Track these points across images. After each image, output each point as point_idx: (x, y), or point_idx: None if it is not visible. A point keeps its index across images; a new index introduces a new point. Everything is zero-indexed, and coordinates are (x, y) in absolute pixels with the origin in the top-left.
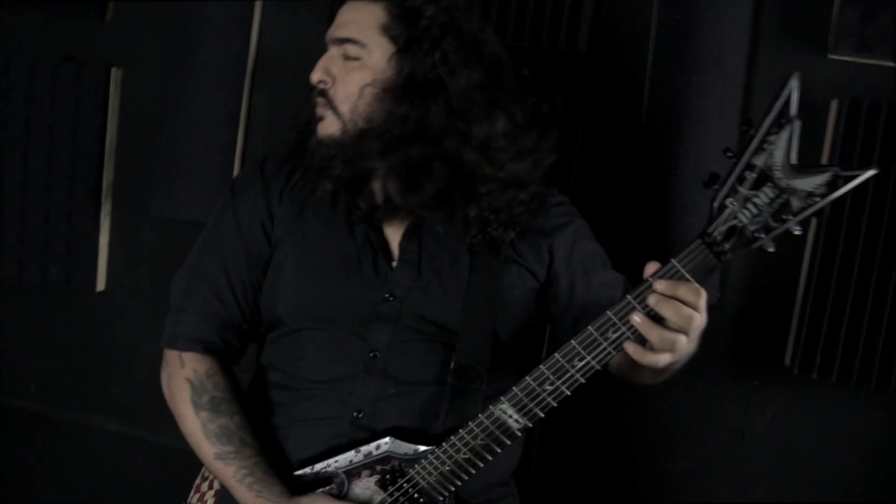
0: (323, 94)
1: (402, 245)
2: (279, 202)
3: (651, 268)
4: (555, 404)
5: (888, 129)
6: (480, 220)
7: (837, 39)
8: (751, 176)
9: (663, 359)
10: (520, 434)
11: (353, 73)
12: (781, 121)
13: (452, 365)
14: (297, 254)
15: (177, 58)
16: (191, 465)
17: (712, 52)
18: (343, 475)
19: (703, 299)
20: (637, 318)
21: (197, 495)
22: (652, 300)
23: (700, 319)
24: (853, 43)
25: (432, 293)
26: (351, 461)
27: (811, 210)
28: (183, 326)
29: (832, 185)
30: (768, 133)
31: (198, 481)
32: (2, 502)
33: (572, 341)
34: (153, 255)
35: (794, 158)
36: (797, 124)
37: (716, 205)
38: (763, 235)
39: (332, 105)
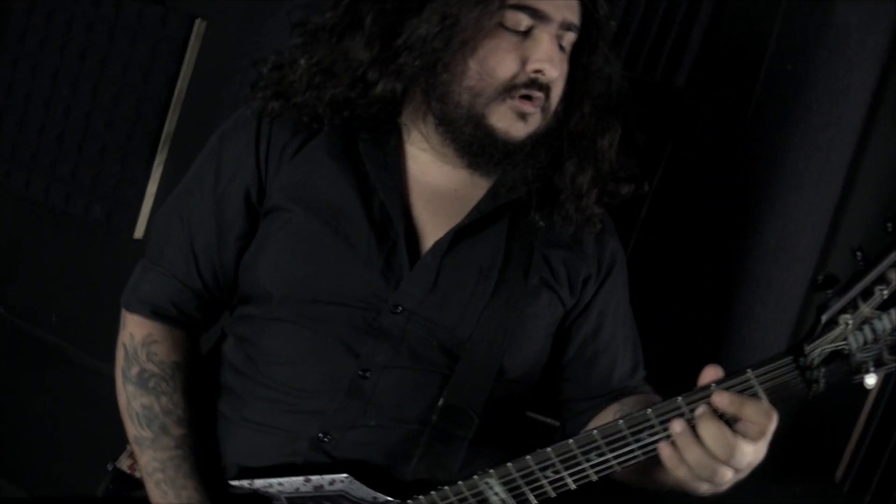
0: (545, 89)
1: (435, 246)
2: (280, 162)
3: (711, 373)
4: (553, 495)
5: None
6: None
7: None
8: (881, 292)
9: (700, 487)
10: None
11: (564, 64)
12: None
13: (441, 402)
14: (297, 224)
15: (259, 20)
16: None
17: (822, 112)
18: (285, 501)
19: (770, 428)
20: (678, 428)
21: (127, 456)
22: (699, 412)
23: (753, 454)
24: None
25: (447, 312)
26: (297, 489)
27: None
28: (140, 285)
29: None
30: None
31: (129, 446)
32: (3, 420)
33: (594, 431)
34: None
35: None
36: None
37: (824, 318)
38: (872, 369)
39: (547, 103)
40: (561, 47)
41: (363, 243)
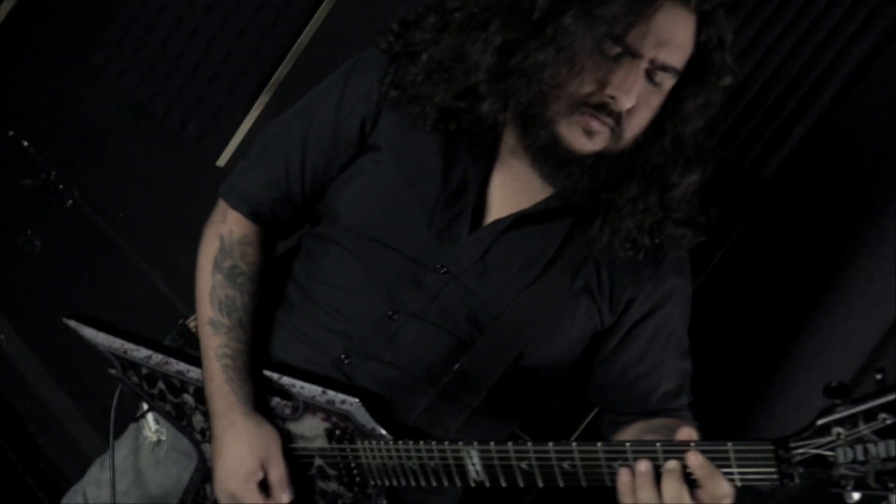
0: (616, 116)
1: (496, 222)
2: (392, 109)
3: (686, 433)
4: (521, 485)
5: None
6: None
7: None
8: (885, 419)
9: None
10: (473, 485)
11: (654, 98)
12: None
13: (456, 366)
14: (384, 170)
15: (394, 3)
16: None
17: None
18: (302, 403)
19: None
20: (643, 467)
21: (195, 321)
22: (670, 465)
23: None
24: None
25: (486, 287)
26: (314, 396)
27: (881, 494)
28: (243, 182)
29: None
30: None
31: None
32: (46, 295)
33: (574, 444)
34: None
35: None
36: None
37: (820, 422)
38: (851, 488)
39: (618, 129)
40: (654, 81)
41: (431, 203)
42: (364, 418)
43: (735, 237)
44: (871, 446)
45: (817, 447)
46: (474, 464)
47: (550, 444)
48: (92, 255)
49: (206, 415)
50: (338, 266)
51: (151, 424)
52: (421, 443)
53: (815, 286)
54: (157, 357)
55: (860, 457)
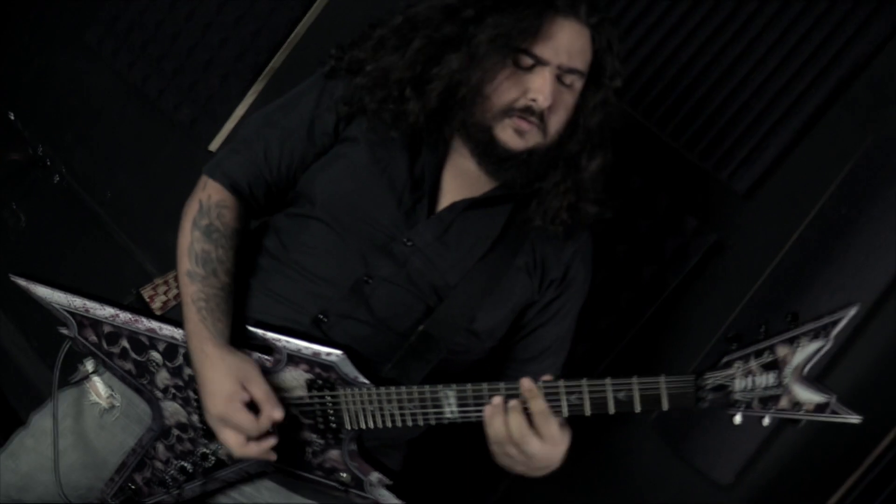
0: (539, 115)
1: (451, 206)
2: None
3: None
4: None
5: None
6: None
7: None
8: (768, 357)
9: (500, 458)
10: (446, 422)
11: (569, 99)
12: (821, 332)
13: (421, 328)
14: (358, 158)
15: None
16: None
17: (857, 262)
18: (285, 357)
19: (556, 436)
20: (496, 400)
21: (151, 289)
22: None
23: (541, 451)
24: None
25: (444, 259)
26: (299, 350)
27: (791, 416)
28: (226, 161)
29: (820, 409)
30: (806, 334)
31: (159, 279)
32: (30, 270)
33: (539, 381)
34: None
35: (807, 368)
36: (830, 344)
37: (724, 360)
38: (741, 410)
39: (543, 126)
40: (565, 83)
41: (400, 187)
42: (348, 368)
43: (710, 245)
44: (758, 377)
45: (723, 378)
46: (450, 404)
47: (521, 380)
48: (78, 232)
49: (175, 372)
50: (316, 236)
51: (102, 390)
52: (402, 387)
53: (776, 293)
54: (125, 315)
55: (749, 385)
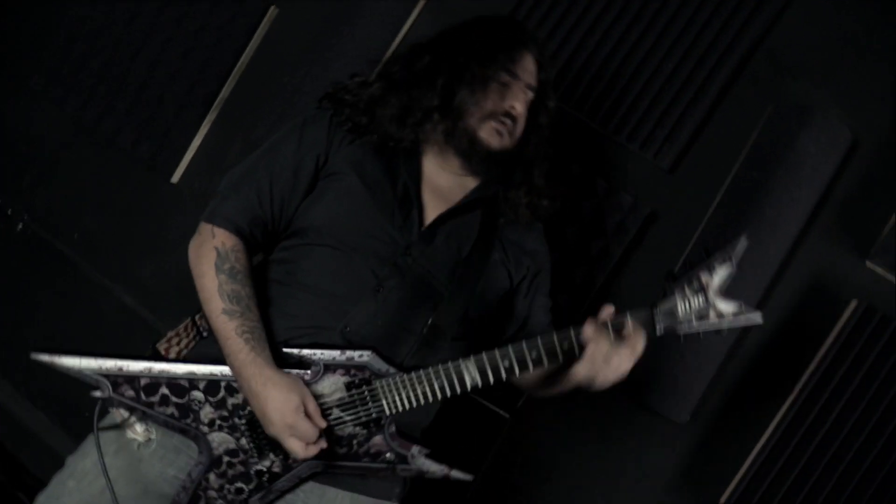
0: (513, 120)
1: (439, 218)
2: (340, 147)
3: (608, 309)
4: (504, 378)
5: (888, 344)
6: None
7: (879, 251)
8: (696, 284)
9: (590, 375)
10: (469, 388)
11: (526, 112)
12: (727, 258)
13: (430, 321)
14: (349, 185)
15: (331, 22)
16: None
17: (771, 218)
18: (322, 366)
19: (637, 345)
20: (589, 329)
21: (166, 343)
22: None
23: (626, 358)
24: (890, 260)
25: (437, 262)
26: (334, 358)
27: (717, 327)
28: (223, 208)
29: (735, 315)
30: (717, 261)
31: (171, 333)
32: (8, 320)
33: (536, 338)
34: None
35: (724, 287)
36: (734, 268)
37: (668, 291)
38: (684, 329)
39: (514, 128)
40: (529, 98)
41: (389, 206)
42: (379, 363)
43: (645, 217)
44: (693, 301)
45: (668, 304)
46: (470, 372)
47: (523, 342)
48: (50, 276)
49: (219, 404)
50: (323, 259)
51: (138, 427)
52: (430, 368)
53: None
54: (159, 365)
55: (688, 308)
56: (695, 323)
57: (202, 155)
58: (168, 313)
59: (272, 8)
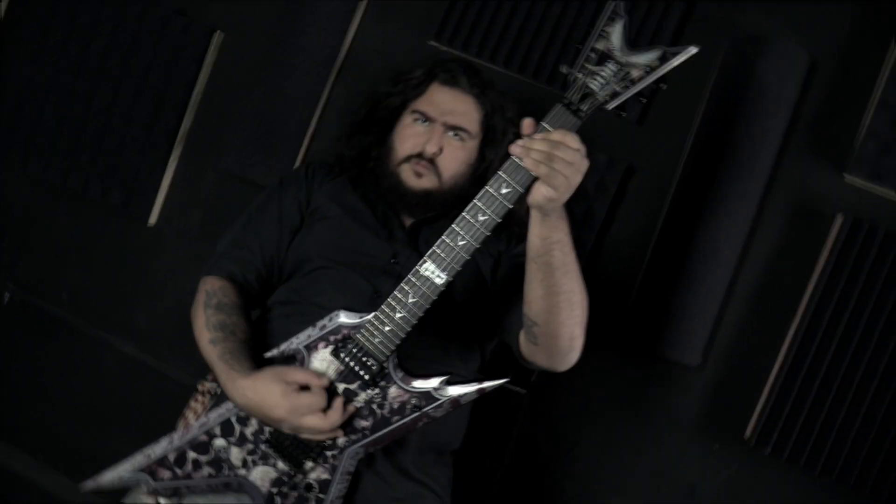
0: (431, 161)
1: (411, 227)
2: (320, 188)
3: (528, 126)
4: (467, 257)
5: (880, 253)
6: None
7: (855, 163)
8: (594, 55)
9: (544, 192)
10: (442, 287)
11: (458, 151)
12: (615, 16)
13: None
14: (333, 215)
15: (277, 37)
16: (187, 397)
17: (746, 151)
18: (304, 350)
19: (567, 138)
20: (516, 149)
21: (183, 422)
22: (521, 144)
23: (573, 159)
24: (868, 170)
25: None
26: (309, 336)
27: (653, 78)
28: (219, 263)
29: (663, 59)
30: (605, 25)
31: (185, 410)
32: (5, 387)
33: (475, 200)
34: (207, 203)
35: (626, 43)
36: (625, 17)
37: (570, 79)
38: (614, 101)
39: (436, 170)
40: (459, 137)
41: (373, 225)
42: (349, 317)
43: (623, 172)
44: (602, 73)
45: (578, 91)
46: (433, 272)
47: (464, 213)
48: (46, 340)
49: (240, 441)
50: (324, 279)
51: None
52: (394, 292)
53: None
54: (175, 434)
55: (602, 81)
56: (618, 88)
57: (175, 191)
58: (170, 355)
59: (217, 33)
